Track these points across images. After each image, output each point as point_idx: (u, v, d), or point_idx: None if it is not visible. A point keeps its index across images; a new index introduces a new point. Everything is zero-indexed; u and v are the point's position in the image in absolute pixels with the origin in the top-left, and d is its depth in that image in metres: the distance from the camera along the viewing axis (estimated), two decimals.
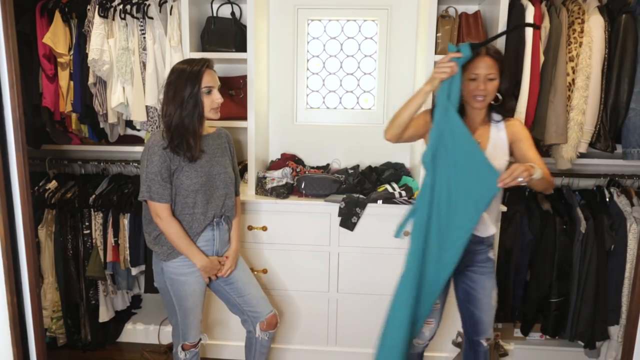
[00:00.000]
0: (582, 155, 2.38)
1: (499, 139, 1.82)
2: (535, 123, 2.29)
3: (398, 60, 2.74)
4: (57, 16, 2.42)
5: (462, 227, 1.72)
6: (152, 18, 2.41)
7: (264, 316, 2.08)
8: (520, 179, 1.56)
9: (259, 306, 2.08)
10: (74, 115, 2.57)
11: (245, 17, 2.58)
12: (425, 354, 2.54)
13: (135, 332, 2.84)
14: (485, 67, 1.72)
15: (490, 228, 1.87)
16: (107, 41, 2.40)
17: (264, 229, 2.45)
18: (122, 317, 2.86)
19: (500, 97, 1.79)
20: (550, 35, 2.24)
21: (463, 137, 1.66)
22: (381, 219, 2.36)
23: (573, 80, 2.25)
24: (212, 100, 1.82)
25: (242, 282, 2.06)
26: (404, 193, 2.34)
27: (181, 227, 1.86)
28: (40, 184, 2.70)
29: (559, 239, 2.43)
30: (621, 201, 2.47)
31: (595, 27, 2.22)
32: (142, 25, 2.42)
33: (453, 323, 2.51)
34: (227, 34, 2.51)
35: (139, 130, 2.72)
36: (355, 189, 2.45)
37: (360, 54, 2.83)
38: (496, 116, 1.84)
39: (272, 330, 2.11)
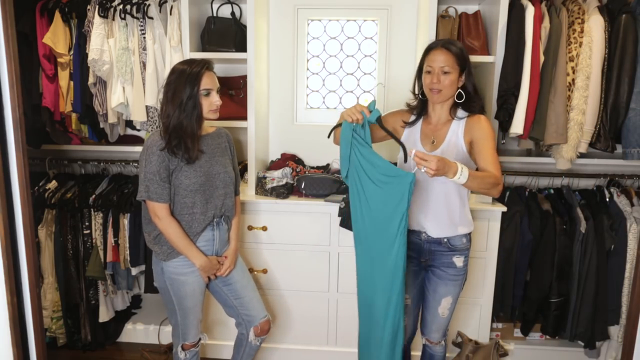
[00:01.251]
0: (582, 155, 2.37)
1: (454, 137, 1.80)
2: (535, 123, 2.29)
3: (398, 60, 2.74)
4: (57, 16, 2.42)
5: (396, 230, 1.76)
6: (152, 18, 2.41)
7: (257, 321, 2.08)
8: (423, 169, 1.54)
9: (254, 309, 2.08)
10: (74, 115, 2.57)
11: (245, 17, 2.58)
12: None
13: (135, 332, 2.84)
14: (439, 60, 1.74)
15: (443, 229, 1.84)
16: (107, 41, 2.40)
17: (264, 229, 2.45)
18: (122, 317, 2.86)
19: (463, 94, 1.79)
20: (550, 35, 2.24)
21: (373, 157, 1.76)
22: None
23: (573, 80, 2.25)
24: (211, 103, 1.82)
25: (240, 284, 2.06)
26: None
27: (180, 226, 1.86)
28: (40, 184, 2.70)
29: (559, 239, 2.43)
30: (621, 201, 2.47)
31: (595, 27, 2.22)
32: (142, 25, 2.42)
33: (453, 323, 2.51)
34: (227, 34, 2.51)
35: (139, 130, 2.72)
36: None
37: (360, 54, 2.83)
38: (461, 113, 1.82)
39: (264, 336, 2.12)
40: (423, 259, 1.91)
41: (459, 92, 1.79)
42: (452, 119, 1.82)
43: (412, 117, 1.90)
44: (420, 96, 1.88)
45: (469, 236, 1.89)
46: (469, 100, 1.80)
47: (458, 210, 1.84)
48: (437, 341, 2.00)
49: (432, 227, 1.85)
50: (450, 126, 1.81)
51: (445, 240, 1.85)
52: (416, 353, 2.39)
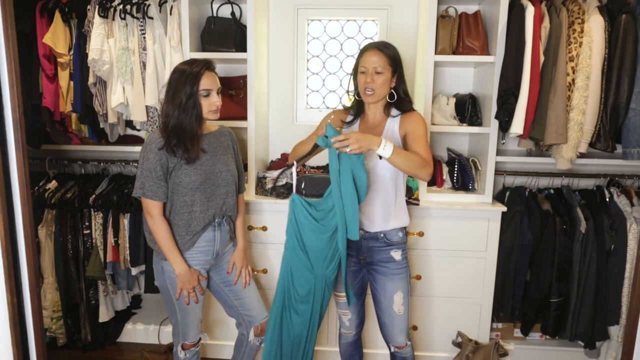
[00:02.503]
0: (582, 155, 2.37)
1: (391, 133, 1.86)
2: (535, 123, 2.28)
3: None
4: (57, 16, 2.42)
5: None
6: (152, 18, 2.41)
7: (258, 321, 2.08)
8: (347, 149, 1.60)
9: (254, 310, 2.08)
10: (74, 115, 2.57)
11: (245, 17, 2.58)
12: (425, 353, 2.55)
13: (135, 332, 2.84)
14: (372, 61, 1.80)
15: (380, 224, 1.88)
16: (107, 41, 2.40)
17: (264, 229, 2.45)
18: (122, 317, 2.86)
19: (394, 94, 1.85)
20: (550, 35, 2.24)
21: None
22: None
23: (573, 80, 2.25)
24: (211, 103, 1.82)
25: (241, 284, 2.06)
26: None
27: (169, 230, 1.85)
28: (40, 184, 2.70)
29: (559, 239, 2.43)
30: (621, 201, 2.47)
31: (595, 27, 2.22)
32: (142, 25, 2.42)
33: (453, 323, 2.51)
34: (227, 34, 2.51)
35: (139, 130, 2.72)
36: None
37: None
38: (394, 111, 1.89)
39: (264, 336, 2.12)
40: (362, 256, 1.94)
41: (391, 92, 1.85)
42: (387, 117, 1.89)
43: (350, 117, 1.95)
44: (356, 97, 1.93)
45: (404, 230, 1.94)
46: (400, 101, 1.87)
47: (394, 204, 1.89)
48: (403, 344, 1.99)
49: (369, 222, 1.89)
50: (386, 124, 1.88)
51: (382, 235, 1.89)
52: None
